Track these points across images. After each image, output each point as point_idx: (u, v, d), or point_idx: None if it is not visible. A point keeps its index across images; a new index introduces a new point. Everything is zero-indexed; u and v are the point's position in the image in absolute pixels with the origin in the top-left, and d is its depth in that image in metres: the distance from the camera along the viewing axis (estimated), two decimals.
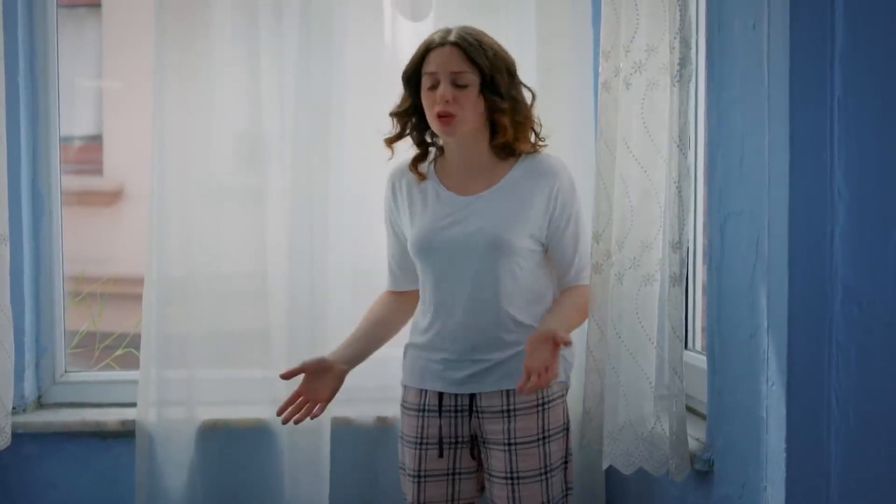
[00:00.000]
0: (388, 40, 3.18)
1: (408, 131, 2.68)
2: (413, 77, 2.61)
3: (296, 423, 2.64)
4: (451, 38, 2.55)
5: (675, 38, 2.43)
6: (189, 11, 3.08)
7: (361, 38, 3.17)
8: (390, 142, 2.69)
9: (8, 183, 2.96)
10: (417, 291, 2.75)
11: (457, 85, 2.53)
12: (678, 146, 2.43)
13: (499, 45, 2.62)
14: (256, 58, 3.11)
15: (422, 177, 2.66)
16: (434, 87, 2.55)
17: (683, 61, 2.42)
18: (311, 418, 2.64)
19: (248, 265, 3.14)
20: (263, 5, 3.11)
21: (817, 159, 2.09)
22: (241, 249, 3.14)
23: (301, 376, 2.64)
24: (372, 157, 3.10)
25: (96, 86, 4.27)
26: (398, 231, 2.74)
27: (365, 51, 3.18)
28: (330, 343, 3.09)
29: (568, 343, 2.45)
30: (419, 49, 2.60)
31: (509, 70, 2.60)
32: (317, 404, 2.63)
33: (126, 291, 3.47)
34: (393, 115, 2.68)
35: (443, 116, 2.53)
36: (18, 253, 3.16)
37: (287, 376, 2.62)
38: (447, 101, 2.52)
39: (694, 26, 2.54)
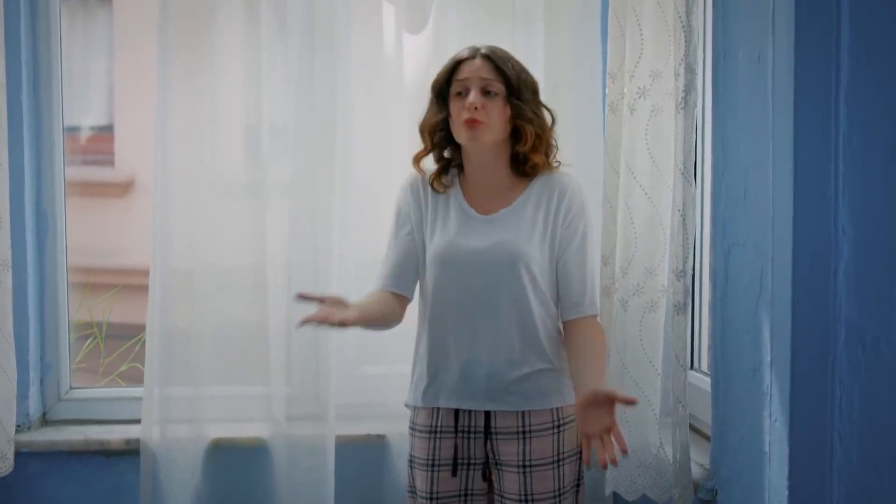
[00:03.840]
0: (391, 35, 3.17)
1: (434, 147, 2.69)
2: (443, 89, 2.64)
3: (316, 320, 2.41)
4: (482, 51, 2.61)
5: (679, 64, 2.41)
6: (192, 9, 3.07)
7: (363, 34, 3.16)
8: (418, 158, 2.71)
9: (10, 206, 2.97)
10: (407, 300, 2.72)
11: (486, 93, 2.56)
12: (682, 173, 2.41)
13: (524, 67, 2.65)
14: (259, 53, 3.10)
15: (443, 188, 2.67)
16: (462, 94, 2.58)
17: (688, 88, 2.40)
18: (332, 324, 2.41)
19: (250, 260, 3.13)
20: (267, 2, 3.10)
21: (822, 195, 2.07)
22: (246, 243, 3.14)
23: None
24: (374, 153, 3.12)
25: (107, 77, 4.26)
26: (414, 233, 2.70)
27: (369, 42, 3.17)
28: (332, 339, 3.10)
29: (632, 401, 2.39)
30: (449, 62, 2.65)
31: (533, 88, 2.64)
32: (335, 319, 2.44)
33: (138, 283, 3.47)
34: (422, 130, 2.68)
35: (470, 122, 2.55)
36: (23, 271, 3.16)
37: (304, 295, 2.47)
38: (476, 108, 2.55)
39: (700, 53, 2.51)
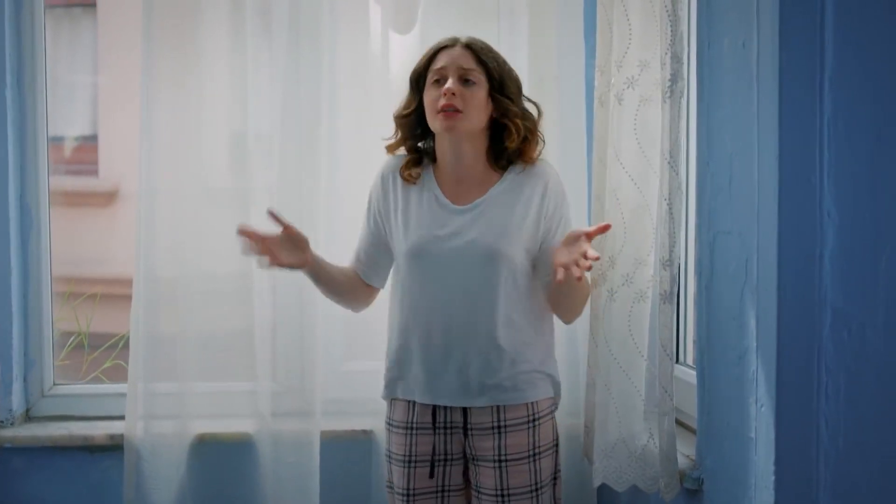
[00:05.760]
0: (377, 36, 3.16)
1: (407, 137, 2.67)
2: (421, 78, 2.61)
3: (245, 250, 2.56)
4: (463, 40, 2.59)
5: (666, 53, 2.41)
6: (177, 14, 3.06)
7: (350, 36, 3.15)
8: (391, 148, 2.70)
9: None
10: (377, 290, 2.76)
11: (465, 82, 2.54)
12: (669, 163, 2.42)
13: (506, 61, 2.64)
14: (244, 59, 3.09)
15: (413, 180, 2.64)
16: (440, 81, 2.55)
17: (674, 77, 2.40)
18: (259, 261, 2.57)
19: (236, 266, 3.11)
20: (251, 10, 3.09)
21: (807, 181, 2.08)
22: (230, 250, 3.10)
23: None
24: (361, 158, 3.10)
25: (91, 86, 4.25)
26: (381, 226, 2.70)
27: (353, 48, 3.16)
28: (318, 345, 3.10)
29: (604, 228, 2.44)
30: (429, 51, 2.62)
31: (516, 82, 2.62)
32: (269, 256, 2.55)
33: (121, 292, 3.45)
34: (396, 118, 2.67)
35: (447, 111, 2.52)
36: (6, 266, 3.14)
37: (272, 216, 2.57)
38: (453, 94, 2.51)
39: (686, 42, 2.52)
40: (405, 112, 2.65)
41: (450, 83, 2.53)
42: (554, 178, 2.63)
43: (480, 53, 2.57)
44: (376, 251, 2.72)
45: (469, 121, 2.54)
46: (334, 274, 2.72)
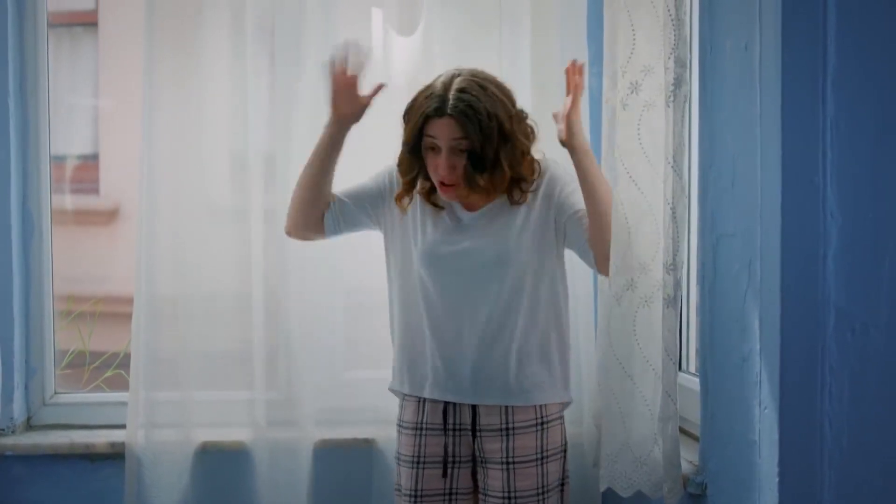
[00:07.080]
0: (379, 41, 3.15)
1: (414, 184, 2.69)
2: (415, 144, 2.60)
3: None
4: (449, 109, 2.53)
5: (669, 57, 2.41)
6: (178, 33, 3.06)
7: (352, 34, 3.12)
8: (399, 198, 2.69)
9: None
10: (320, 232, 2.76)
11: (456, 151, 2.55)
12: (673, 167, 2.41)
13: (496, 95, 2.58)
14: (245, 77, 3.09)
15: (404, 210, 2.68)
16: (434, 149, 2.56)
17: (678, 81, 2.39)
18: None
19: (237, 285, 3.12)
20: (252, 26, 3.09)
21: (810, 182, 2.08)
22: (230, 269, 3.12)
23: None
24: (364, 165, 3.10)
25: (92, 104, 4.25)
26: (377, 199, 2.73)
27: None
28: (319, 363, 3.09)
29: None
30: (418, 118, 2.57)
31: (501, 129, 2.56)
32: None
33: (121, 311, 3.45)
34: (399, 167, 2.68)
35: (444, 185, 2.57)
36: (8, 275, 3.15)
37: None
38: (449, 172, 2.55)
39: (688, 46, 2.52)
40: (409, 177, 2.66)
41: (444, 159, 2.54)
42: (553, 167, 2.67)
43: (467, 125, 2.52)
44: (354, 206, 2.73)
45: (464, 188, 2.59)
46: (330, 172, 2.73)
